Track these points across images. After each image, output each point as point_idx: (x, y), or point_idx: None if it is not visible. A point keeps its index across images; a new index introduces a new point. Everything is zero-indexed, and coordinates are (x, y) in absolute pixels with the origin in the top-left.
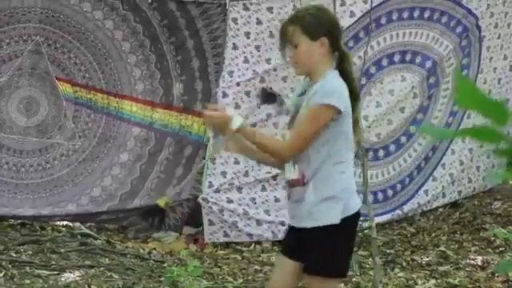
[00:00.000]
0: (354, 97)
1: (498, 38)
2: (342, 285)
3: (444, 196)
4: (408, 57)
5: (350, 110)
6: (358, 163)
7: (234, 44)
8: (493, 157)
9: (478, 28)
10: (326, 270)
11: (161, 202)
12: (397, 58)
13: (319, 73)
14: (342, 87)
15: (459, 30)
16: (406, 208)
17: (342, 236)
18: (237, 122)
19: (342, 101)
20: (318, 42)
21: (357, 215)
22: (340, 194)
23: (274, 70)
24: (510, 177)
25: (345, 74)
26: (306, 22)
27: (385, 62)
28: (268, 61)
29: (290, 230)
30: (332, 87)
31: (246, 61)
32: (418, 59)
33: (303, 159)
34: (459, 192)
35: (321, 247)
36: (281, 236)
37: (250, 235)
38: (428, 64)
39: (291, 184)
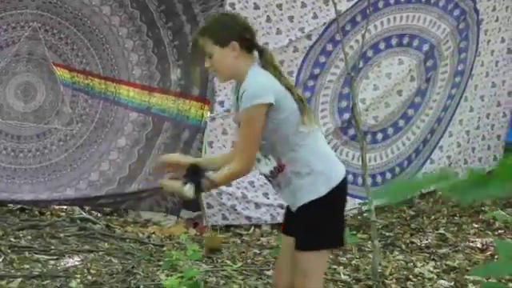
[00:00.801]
0: (286, 85)
1: (496, 20)
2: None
3: None
4: (405, 40)
5: (283, 94)
6: (358, 146)
7: None
8: (488, 138)
9: (476, 11)
10: (311, 244)
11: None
12: (394, 41)
13: (242, 73)
14: (264, 81)
15: (457, 13)
16: None
17: (328, 207)
18: (190, 192)
19: (269, 93)
20: (228, 47)
21: (341, 184)
22: (316, 167)
23: None
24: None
25: (270, 65)
26: (215, 32)
27: (382, 46)
28: (265, 45)
29: (287, 209)
30: (254, 88)
31: None
32: (416, 42)
33: (271, 148)
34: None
35: (307, 223)
36: (280, 219)
37: (249, 218)
38: (425, 47)
39: (273, 175)
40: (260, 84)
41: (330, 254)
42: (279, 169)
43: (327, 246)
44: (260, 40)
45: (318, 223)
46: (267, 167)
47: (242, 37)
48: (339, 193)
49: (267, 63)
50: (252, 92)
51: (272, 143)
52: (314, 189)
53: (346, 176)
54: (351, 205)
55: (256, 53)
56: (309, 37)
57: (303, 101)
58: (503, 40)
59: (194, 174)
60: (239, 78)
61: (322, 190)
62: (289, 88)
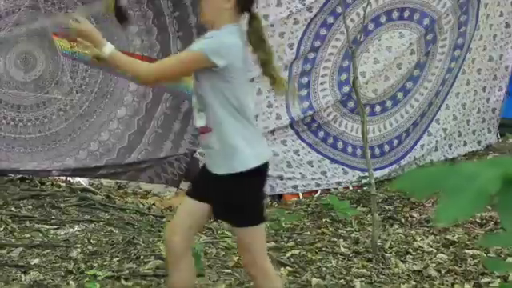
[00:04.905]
0: (267, 58)
1: None
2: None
3: (436, 149)
4: (406, 14)
5: (241, 65)
6: (357, 118)
7: None
8: (483, 111)
9: None
10: (245, 221)
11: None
12: (395, 14)
13: (219, 26)
14: (229, 43)
15: None
16: (403, 162)
17: (246, 186)
18: (106, 51)
19: (223, 56)
20: None
21: (261, 168)
22: (240, 142)
23: (272, 25)
24: None
25: (255, 34)
26: None
27: (383, 19)
28: (266, 17)
29: (202, 173)
30: (216, 41)
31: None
32: (417, 16)
33: (207, 107)
34: (450, 145)
35: (232, 197)
36: (278, 190)
37: None
38: (426, 21)
39: (200, 131)
40: (225, 43)
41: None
42: (206, 129)
43: (260, 221)
44: (260, 12)
45: (242, 200)
46: (198, 121)
47: None
48: (257, 175)
49: (253, 31)
50: (215, 43)
51: (208, 102)
52: (230, 163)
53: (268, 162)
54: (350, 176)
55: (246, 16)
56: (309, 9)
57: (275, 79)
58: (501, 14)
59: None
60: (213, 28)
61: (236, 167)
62: (263, 63)
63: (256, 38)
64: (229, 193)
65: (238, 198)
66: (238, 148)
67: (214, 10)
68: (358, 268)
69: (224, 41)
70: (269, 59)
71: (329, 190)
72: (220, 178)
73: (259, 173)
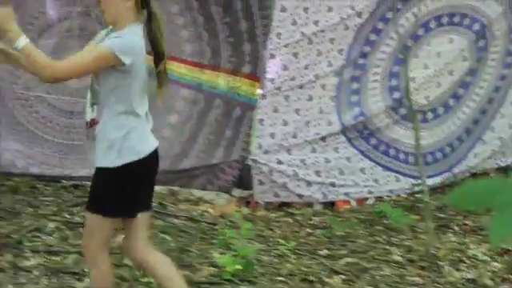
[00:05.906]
0: (159, 55)
1: None
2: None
3: (490, 157)
4: (456, 19)
5: (140, 67)
6: (409, 125)
7: (282, 6)
8: None
9: None
10: (95, 208)
11: None
12: (445, 20)
13: (121, 25)
14: (135, 44)
15: None
16: (455, 170)
17: (120, 179)
18: (21, 42)
19: (130, 56)
20: None
21: (143, 162)
22: (120, 140)
23: (322, 31)
24: None
25: (152, 32)
26: None
27: (432, 24)
28: (316, 23)
29: None
30: (126, 43)
31: (294, 23)
32: (467, 21)
33: (102, 102)
34: (503, 153)
35: (96, 186)
36: (331, 197)
37: (300, 196)
38: (476, 26)
39: (91, 124)
40: (132, 43)
41: (116, 222)
42: (93, 123)
43: (110, 215)
44: (311, 17)
45: (105, 190)
46: (87, 115)
47: None
48: (139, 167)
49: (152, 29)
50: (123, 43)
51: (104, 97)
52: (108, 156)
53: (154, 153)
54: (403, 184)
55: (145, 13)
56: (359, 14)
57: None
58: None
59: None
60: (116, 29)
61: (114, 161)
62: (160, 60)
63: (155, 36)
64: (95, 178)
65: (98, 185)
66: (115, 144)
67: (115, 10)
68: (411, 276)
69: (129, 40)
70: (164, 59)
71: (381, 197)
72: (100, 169)
73: (130, 171)
